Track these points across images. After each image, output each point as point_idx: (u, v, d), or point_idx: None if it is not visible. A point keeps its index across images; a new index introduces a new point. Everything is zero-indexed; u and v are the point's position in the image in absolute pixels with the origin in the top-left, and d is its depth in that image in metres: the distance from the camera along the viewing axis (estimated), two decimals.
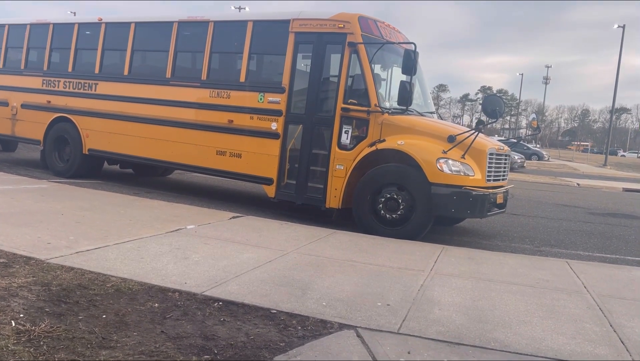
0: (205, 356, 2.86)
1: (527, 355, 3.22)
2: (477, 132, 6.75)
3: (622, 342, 3.52)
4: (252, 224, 6.64)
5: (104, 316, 3.29)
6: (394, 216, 6.73)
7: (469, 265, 5.40)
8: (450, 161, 6.54)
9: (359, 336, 3.34)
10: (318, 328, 3.43)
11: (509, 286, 4.70)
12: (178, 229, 5.81)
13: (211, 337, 3.13)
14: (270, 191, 7.70)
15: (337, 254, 5.41)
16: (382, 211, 6.78)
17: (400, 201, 6.69)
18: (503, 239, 7.66)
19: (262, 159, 7.72)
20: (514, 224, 9.11)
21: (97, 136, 9.46)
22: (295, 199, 7.54)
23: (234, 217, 6.96)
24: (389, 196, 6.74)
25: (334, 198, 7.14)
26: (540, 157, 43.91)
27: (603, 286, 4.92)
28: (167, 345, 2.95)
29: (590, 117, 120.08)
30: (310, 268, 4.76)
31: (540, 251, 7.01)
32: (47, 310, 3.28)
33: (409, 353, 3.13)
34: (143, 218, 6.30)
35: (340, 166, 7.10)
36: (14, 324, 3.00)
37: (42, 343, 2.81)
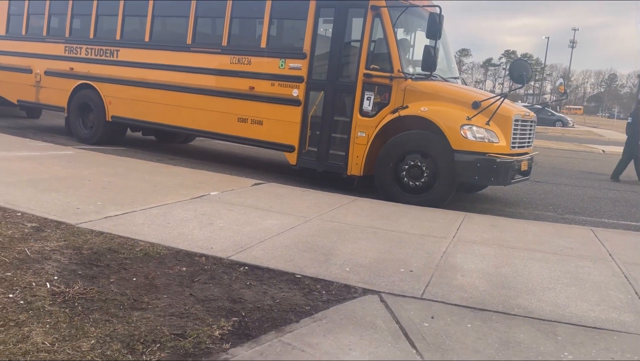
0: (234, 318, 2.94)
1: (550, 321, 3.24)
2: (502, 98, 6.62)
3: None
4: (274, 191, 6.69)
5: (134, 279, 3.38)
6: (417, 183, 6.71)
7: (492, 232, 5.39)
8: (474, 128, 6.45)
9: (382, 301, 3.39)
10: (342, 292, 3.48)
11: (533, 254, 4.68)
12: (202, 196, 5.89)
13: (238, 300, 3.21)
14: (291, 158, 7.72)
15: (359, 221, 5.44)
16: (405, 179, 6.75)
17: (424, 168, 6.64)
18: (526, 207, 7.59)
19: (283, 126, 7.71)
20: (537, 191, 9.02)
21: (119, 103, 9.53)
22: (317, 166, 7.55)
23: (256, 184, 7.01)
24: (412, 163, 6.70)
25: (356, 166, 7.13)
26: (564, 124, 42.99)
27: (628, 254, 4.88)
28: (197, 307, 3.04)
29: (617, 82, 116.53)
30: (333, 235, 4.80)
31: (564, 218, 6.94)
32: (79, 272, 3.39)
33: (432, 318, 3.17)
34: (167, 184, 6.39)
35: (362, 133, 7.06)
36: (49, 286, 3.11)
37: (76, 304, 2.92)
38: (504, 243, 5.01)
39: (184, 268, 3.66)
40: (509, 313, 3.32)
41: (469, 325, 3.10)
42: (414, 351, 2.74)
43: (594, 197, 8.93)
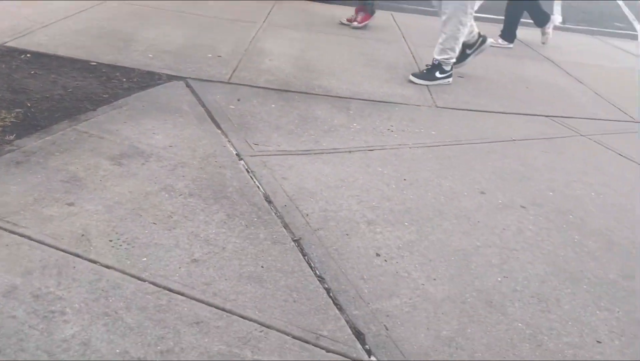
0: (17, 110, 2.64)
1: (346, 98, 3.55)
2: None
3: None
4: None
5: None
6: None
7: (302, 17, 5.41)
8: None
9: (188, 86, 3.32)
10: (145, 79, 3.31)
11: (337, 37, 4.88)
12: None
13: (21, 91, 2.86)
14: None
15: (163, 4, 4.96)
16: None
17: None
18: None
19: None
20: None
21: None
22: None
23: None
24: None
25: None
26: None
27: (418, 37, 5.35)
28: None
29: None
30: (133, 18, 4.36)
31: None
32: None
33: (238, 100, 3.24)
34: None
35: None
36: None
37: None
38: (311, 27, 5.09)
39: None
40: (310, 93, 3.53)
41: (273, 105, 3.25)
42: (219, 131, 2.82)
43: None
